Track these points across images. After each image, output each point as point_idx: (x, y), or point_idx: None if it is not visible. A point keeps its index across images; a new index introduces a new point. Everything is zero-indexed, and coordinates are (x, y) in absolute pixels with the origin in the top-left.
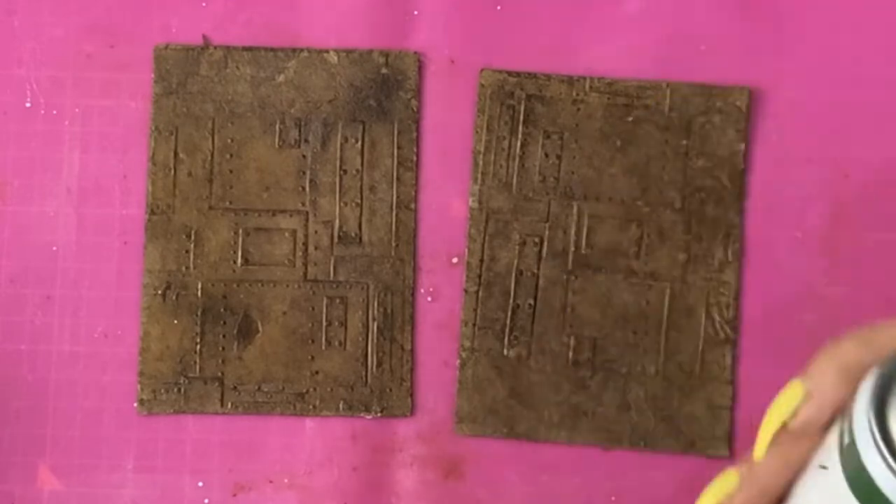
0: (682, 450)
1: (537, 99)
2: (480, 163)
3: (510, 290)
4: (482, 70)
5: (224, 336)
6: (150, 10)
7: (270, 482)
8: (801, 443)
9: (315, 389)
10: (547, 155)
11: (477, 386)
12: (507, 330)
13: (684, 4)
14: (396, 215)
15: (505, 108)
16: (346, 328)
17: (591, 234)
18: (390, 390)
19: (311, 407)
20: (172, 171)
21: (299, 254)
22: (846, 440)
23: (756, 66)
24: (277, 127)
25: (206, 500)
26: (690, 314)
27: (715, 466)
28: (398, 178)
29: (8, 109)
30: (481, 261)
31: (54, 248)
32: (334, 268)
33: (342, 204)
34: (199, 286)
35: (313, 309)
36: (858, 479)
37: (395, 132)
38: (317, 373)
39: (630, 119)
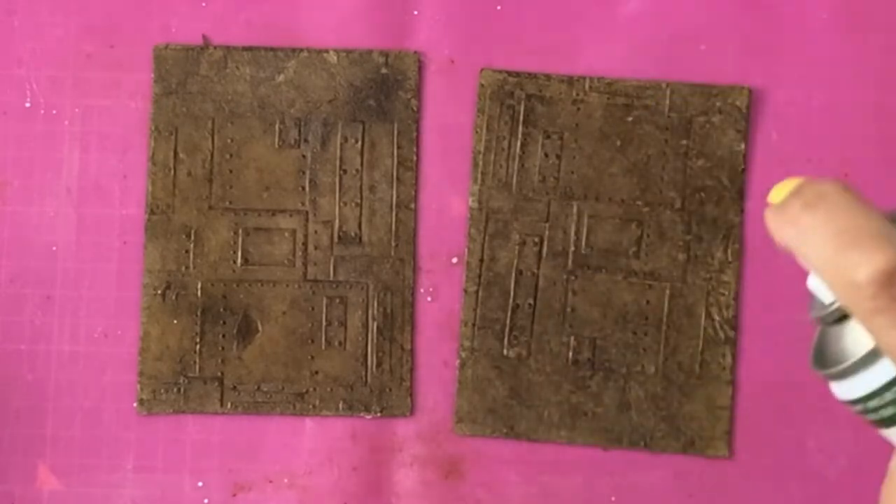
0: (682, 450)
1: (537, 99)
2: (480, 163)
3: (510, 290)
4: (482, 70)
5: (224, 336)
6: (150, 10)
7: (270, 482)
8: None
9: (315, 389)
10: (547, 155)
11: (477, 386)
12: (506, 330)
13: (684, 4)
14: (396, 215)
15: (505, 108)
16: (346, 328)
17: (591, 234)
18: (390, 390)
19: (310, 407)
20: (172, 171)
21: (299, 254)
22: None
23: (756, 66)
24: (277, 127)
25: (206, 500)
26: (690, 314)
27: (715, 466)
28: (398, 178)
29: (8, 109)
30: (481, 261)
31: (54, 248)
32: (334, 268)
33: (342, 204)
34: (199, 286)
35: (313, 309)
36: None
37: (395, 132)
38: (317, 373)
39: (630, 119)
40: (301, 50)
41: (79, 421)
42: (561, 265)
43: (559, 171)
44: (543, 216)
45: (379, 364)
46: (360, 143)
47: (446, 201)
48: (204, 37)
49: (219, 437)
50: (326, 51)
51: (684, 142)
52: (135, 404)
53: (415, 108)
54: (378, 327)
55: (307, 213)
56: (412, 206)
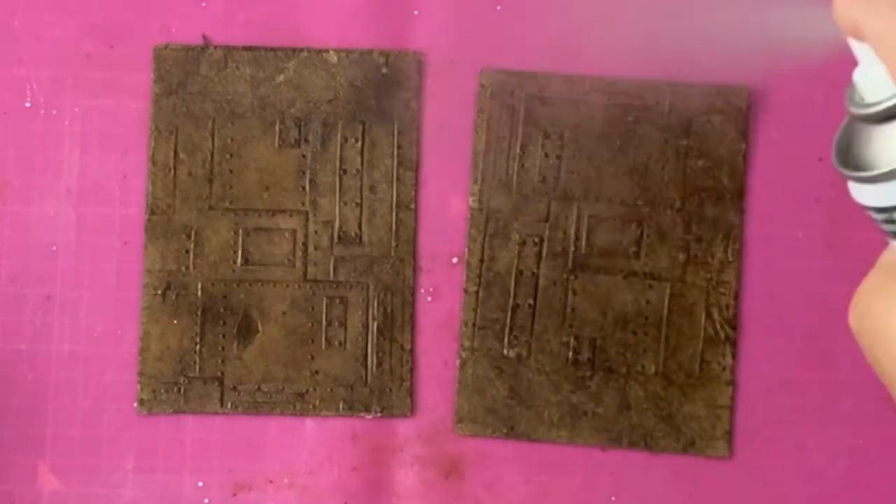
0: (682, 450)
1: (537, 99)
2: (480, 163)
3: (510, 290)
4: (482, 70)
5: (224, 336)
6: (150, 10)
7: (270, 482)
8: None
9: (315, 389)
10: (547, 155)
11: (477, 386)
12: (507, 330)
13: (684, 4)
14: (396, 215)
15: (505, 108)
16: (346, 328)
17: (591, 234)
18: (390, 390)
19: (311, 407)
20: (172, 171)
21: (299, 254)
22: None
23: (756, 66)
24: (277, 127)
25: (206, 500)
26: (690, 314)
27: (715, 466)
28: (398, 178)
29: (8, 109)
30: (481, 261)
31: (54, 248)
32: (334, 268)
33: (342, 204)
34: (199, 286)
35: (313, 309)
36: None
37: (395, 132)
38: (317, 373)
39: (630, 119)
40: (301, 50)
41: (79, 421)
42: (561, 265)
43: (559, 171)
44: (543, 216)
45: (379, 364)
46: (360, 143)
47: (446, 201)
48: (204, 37)
49: (219, 437)
50: (326, 51)
51: (684, 142)
52: (135, 404)
53: (415, 108)
54: (378, 327)
55: (307, 213)
56: (412, 206)
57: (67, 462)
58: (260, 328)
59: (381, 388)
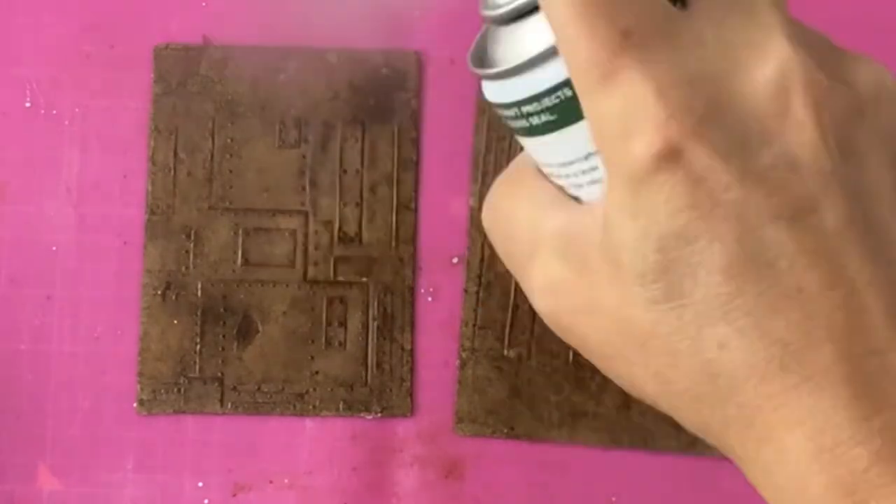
0: (682, 450)
1: None
2: (480, 163)
3: (510, 290)
4: None
5: (224, 336)
6: (150, 10)
7: (270, 482)
8: None
9: (315, 389)
10: None
11: (477, 386)
12: (507, 330)
13: None
14: (396, 215)
15: None
16: (346, 328)
17: None
18: (390, 390)
19: (310, 407)
20: (172, 171)
21: (299, 254)
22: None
23: None
24: (277, 127)
25: (206, 500)
26: None
27: (715, 466)
28: (398, 179)
29: (8, 109)
30: (481, 261)
31: (54, 248)
32: (334, 268)
33: (342, 204)
34: (199, 286)
35: (313, 309)
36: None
37: (395, 132)
38: (317, 373)
39: None
40: (301, 50)
41: (79, 421)
42: None
43: None
44: None
45: (379, 364)
46: (360, 143)
47: (446, 201)
48: (204, 37)
49: (219, 437)
50: (326, 51)
51: None
52: (135, 404)
53: (415, 108)
54: (378, 327)
55: (307, 213)
56: (412, 206)
57: (67, 462)
58: (260, 328)
59: (381, 388)
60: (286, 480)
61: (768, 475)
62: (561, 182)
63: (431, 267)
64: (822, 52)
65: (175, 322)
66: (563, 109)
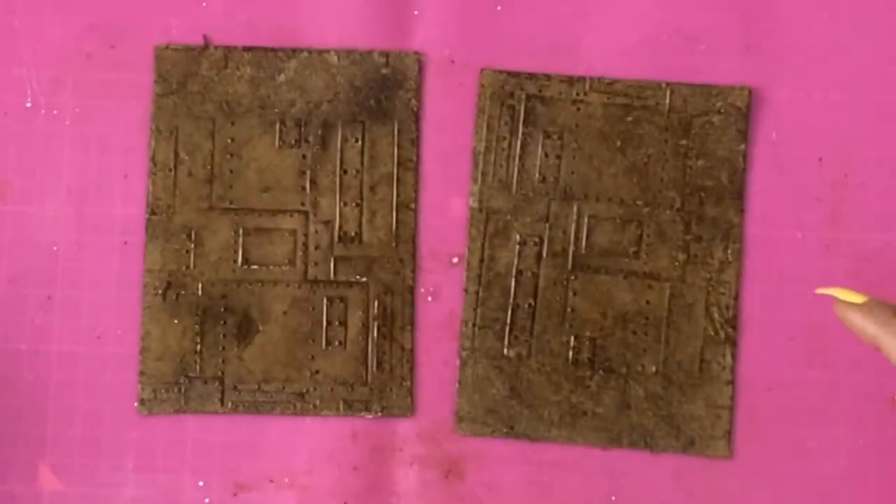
0: (682, 450)
1: (537, 99)
2: (480, 163)
3: (510, 290)
4: (482, 70)
5: (224, 336)
6: (150, 10)
7: (271, 482)
8: None
9: (315, 389)
10: (547, 155)
11: (477, 386)
12: (507, 330)
13: (684, 4)
14: (396, 215)
15: (505, 108)
16: (346, 328)
17: (591, 234)
18: (390, 390)
19: (311, 406)
20: (173, 171)
21: (299, 254)
22: None
23: (756, 66)
24: (277, 127)
25: (207, 500)
26: (690, 314)
27: (715, 466)
28: (398, 178)
29: (8, 109)
30: (481, 261)
31: (54, 248)
32: (334, 268)
33: (342, 204)
34: (200, 286)
35: (313, 309)
36: None
37: (395, 132)
38: (317, 372)
39: (630, 119)
40: (301, 50)
41: (79, 421)
42: (561, 265)
43: (559, 171)
44: (543, 216)
45: (379, 364)
46: (360, 143)
47: (446, 201)
48: (204, 37)
49: (219, 436)
50: (327, 51)
51: (684, 142)
52: (135, 404)
53: (415, 108)
54: (378, 327)
55: (307, 213)
56: (412, 206)
57: (67, 462)
58: (260, 328)
59: (381, 387)
60: (286, 479)
61: None
62: None
63: (431, 267)
64: None
65: (175, 322)
66: None
